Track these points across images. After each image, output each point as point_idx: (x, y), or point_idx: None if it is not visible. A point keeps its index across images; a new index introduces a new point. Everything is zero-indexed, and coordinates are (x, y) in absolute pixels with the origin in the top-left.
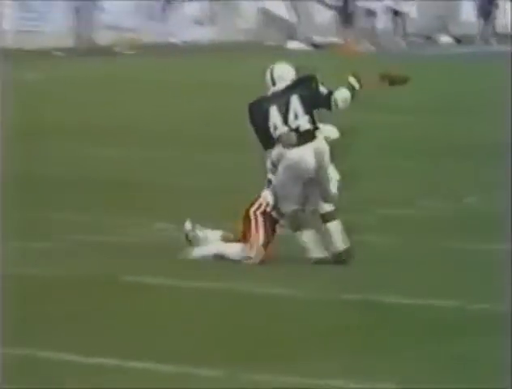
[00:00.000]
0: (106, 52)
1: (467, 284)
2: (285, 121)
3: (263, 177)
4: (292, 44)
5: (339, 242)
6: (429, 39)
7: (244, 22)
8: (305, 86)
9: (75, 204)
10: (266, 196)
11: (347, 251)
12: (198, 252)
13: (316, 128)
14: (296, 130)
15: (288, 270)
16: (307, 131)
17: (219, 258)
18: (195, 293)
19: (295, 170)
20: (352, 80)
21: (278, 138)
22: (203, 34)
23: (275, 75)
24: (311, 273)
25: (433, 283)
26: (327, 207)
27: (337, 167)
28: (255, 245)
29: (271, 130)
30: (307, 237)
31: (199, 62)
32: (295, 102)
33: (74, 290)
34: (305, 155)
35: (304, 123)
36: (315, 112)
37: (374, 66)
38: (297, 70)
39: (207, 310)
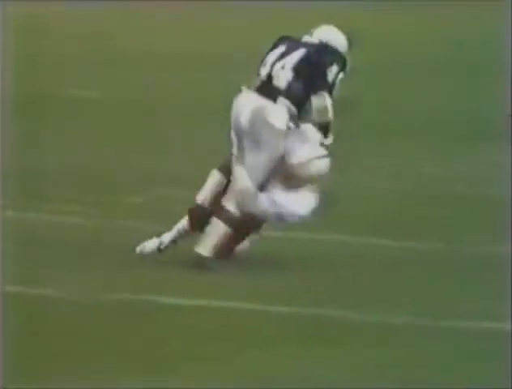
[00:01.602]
0: None
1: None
2: (273, 63)
3: None
4: None
5: (203, 245)
6: None
7: None
8: (320, 53)
9: None
10: None
11: (206, 259)
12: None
13: (288, 95)
14: (270, 79)
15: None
16: (276, 89)
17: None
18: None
19: (232, 114)
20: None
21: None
22: None
23: (315, 33)
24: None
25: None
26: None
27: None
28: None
29: (263, 63)
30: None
31: None
32: (295, 55)
33: None
34: (245, 105)
35: (282, 78)
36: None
37: None
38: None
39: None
